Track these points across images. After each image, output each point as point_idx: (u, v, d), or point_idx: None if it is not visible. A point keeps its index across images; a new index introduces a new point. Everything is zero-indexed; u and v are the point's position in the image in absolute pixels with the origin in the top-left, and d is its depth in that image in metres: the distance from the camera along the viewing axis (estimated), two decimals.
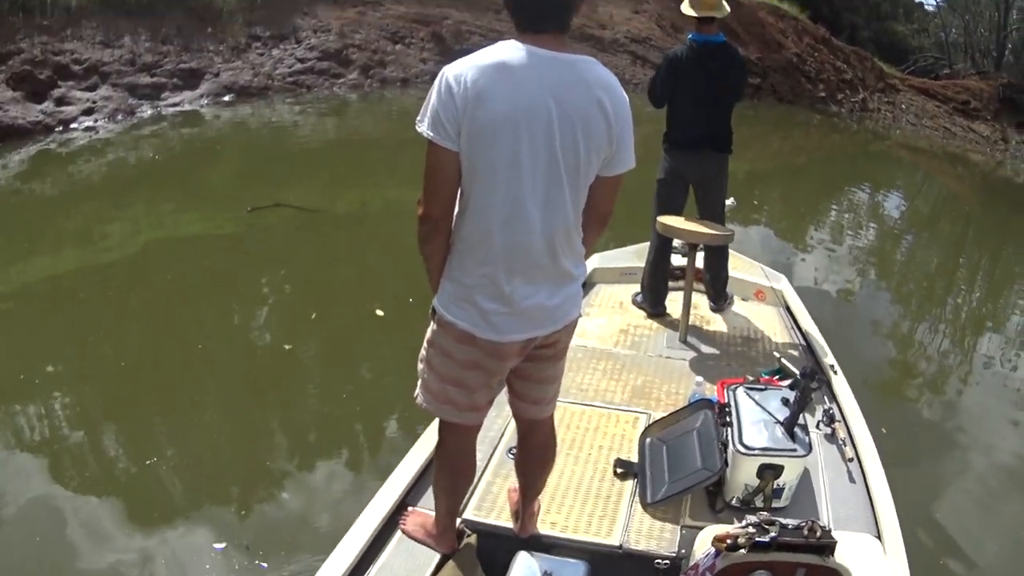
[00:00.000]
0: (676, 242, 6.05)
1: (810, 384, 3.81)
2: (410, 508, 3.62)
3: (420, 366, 2.96)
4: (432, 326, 2.85)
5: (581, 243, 2.78)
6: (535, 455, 3.32)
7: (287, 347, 6.50)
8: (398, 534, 3.48)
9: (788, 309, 6.15)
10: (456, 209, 2.66)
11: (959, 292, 11.37)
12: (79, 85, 14.08)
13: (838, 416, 4.51)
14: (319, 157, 13.18)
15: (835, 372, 4.96)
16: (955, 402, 7.23)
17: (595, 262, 6.47)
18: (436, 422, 3.16)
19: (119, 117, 13.97)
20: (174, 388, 5.87)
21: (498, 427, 4.26)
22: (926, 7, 61.08)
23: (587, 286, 6.28)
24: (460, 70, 2.46)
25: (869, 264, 11.66)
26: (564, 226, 2.64)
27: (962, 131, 32.94)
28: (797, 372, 4.40)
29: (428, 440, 3.82)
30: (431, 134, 2.49)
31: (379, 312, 6.92)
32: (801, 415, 3.76)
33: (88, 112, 13.75)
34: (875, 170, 20.95)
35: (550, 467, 3.41)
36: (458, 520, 3.51)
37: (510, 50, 2.49)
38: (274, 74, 17.08)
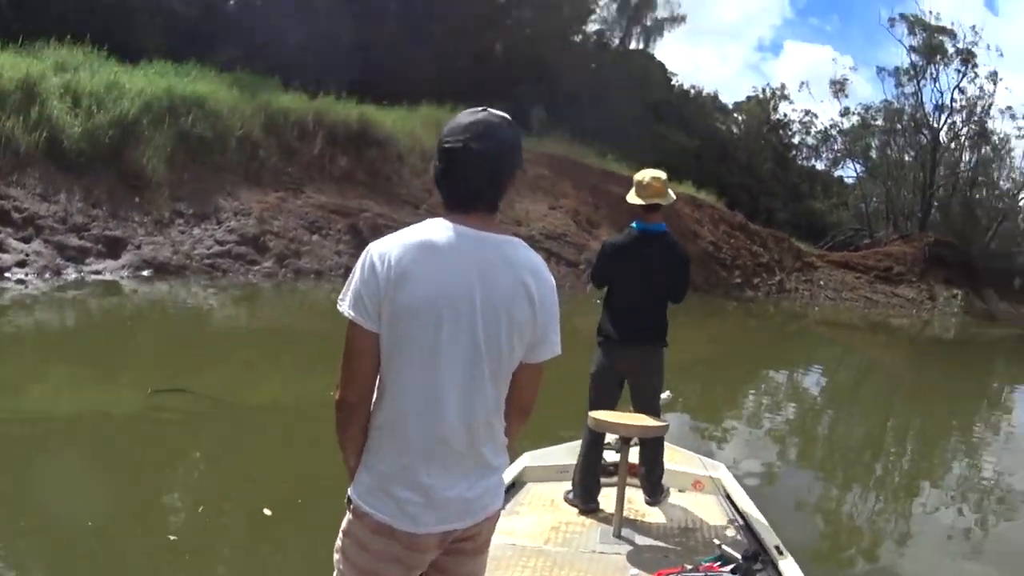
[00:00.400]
0: (610, 437, 5.91)
1: (752, 566, 3.84)
2: None
3: (336, 556, 2.74)
4: (348, 516, 2.67)
5: (503, 433, 2.67)
6: None
7: (172, 538, 6.15)
8: None
9: (728, 496, 5.99)
10: (374, 394, 2.56)
11: (901, 455, 11.61)
12: (16, 234, 14.29)
13: None
14: (228, 345, 13.04)
15: (781, 553, 4.80)
16: (909, 564, 7.22)
17: (526, 460, 6.24)
18: None
19: (47, 275, 14.00)
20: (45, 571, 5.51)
21: None
22: (845, 180, 63.78)
23: (517, 485, 6.05)
24: (385, 248, 2.44)
25: (804, 441, 11.73)
26: (485, 414, 2.54)
27: (885, 297, 33.95)
28: (739, 556, 4.34)
29: None
30: (352, 314, 2.44)
31: (267, 512, 6.64)
32: None
33: (21, 264, 13.90)
34: (795, 350, 21.47)
35: None
36: None
37: (437, 229, 2.47)
38: (193, 254, 17.17)
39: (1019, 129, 55.74)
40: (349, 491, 2.63)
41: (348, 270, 2.38)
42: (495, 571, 3.07)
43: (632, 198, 5.62)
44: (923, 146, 54.13)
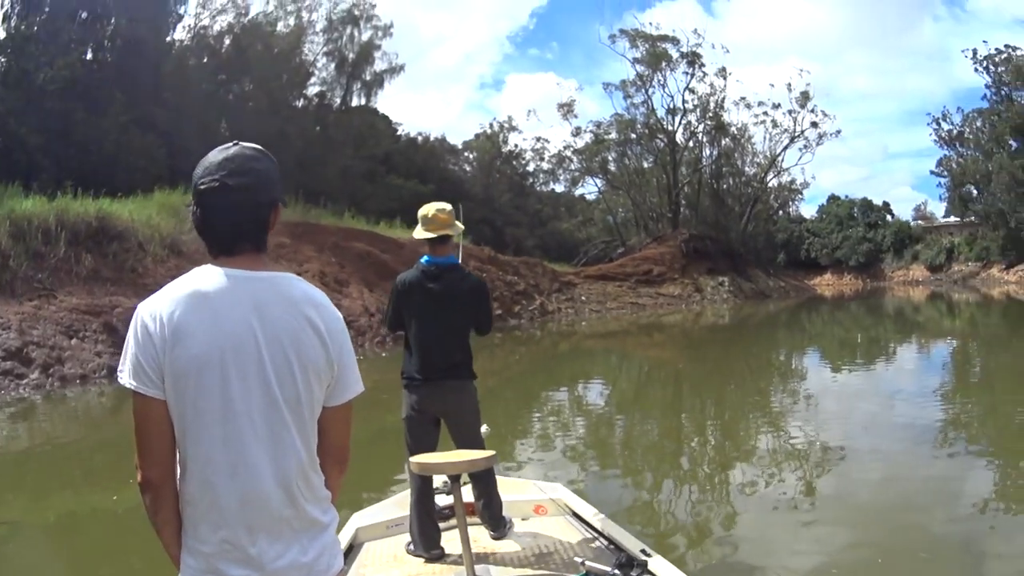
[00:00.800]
0: (439, 480, 5.78)
1: (629, 573, 3.77)
2: None
3: None
4: None
5: (324, 485, 2.47)
6: None
7: None
8: None
9: (575, 514, 5.87)
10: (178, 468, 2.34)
11: (710, 441, 11.89)
12: None
13: None
14: (16, 466, 12.24)
15: (648, 555, 4.71)
16: (748, 534, 7.35)
17: (357, 521, 5.92)
18: None
19: None
20: None
21: None
22: (587, 197, 65.95)
23: (355, 547, 5.70)
24: (155, 307, 2.24)
25: (613, 448, 11.81)
26: (299, 468, 2.34)
27: (651, 299, 35.31)
28: (609, 569, 4.29)
29: None
30: (134, 383, 2.22)
31: None
32: None
33: None
34: (572, 367, 21.72)
35: None
36: None
37: (206, 276, 2.29)
38: None
39: (756, 117, 60.21)
40: None
41: (111, 370, 2.30)
42: None
43: (419, 233, 5.47)
44: (661, 150, 57.05)
